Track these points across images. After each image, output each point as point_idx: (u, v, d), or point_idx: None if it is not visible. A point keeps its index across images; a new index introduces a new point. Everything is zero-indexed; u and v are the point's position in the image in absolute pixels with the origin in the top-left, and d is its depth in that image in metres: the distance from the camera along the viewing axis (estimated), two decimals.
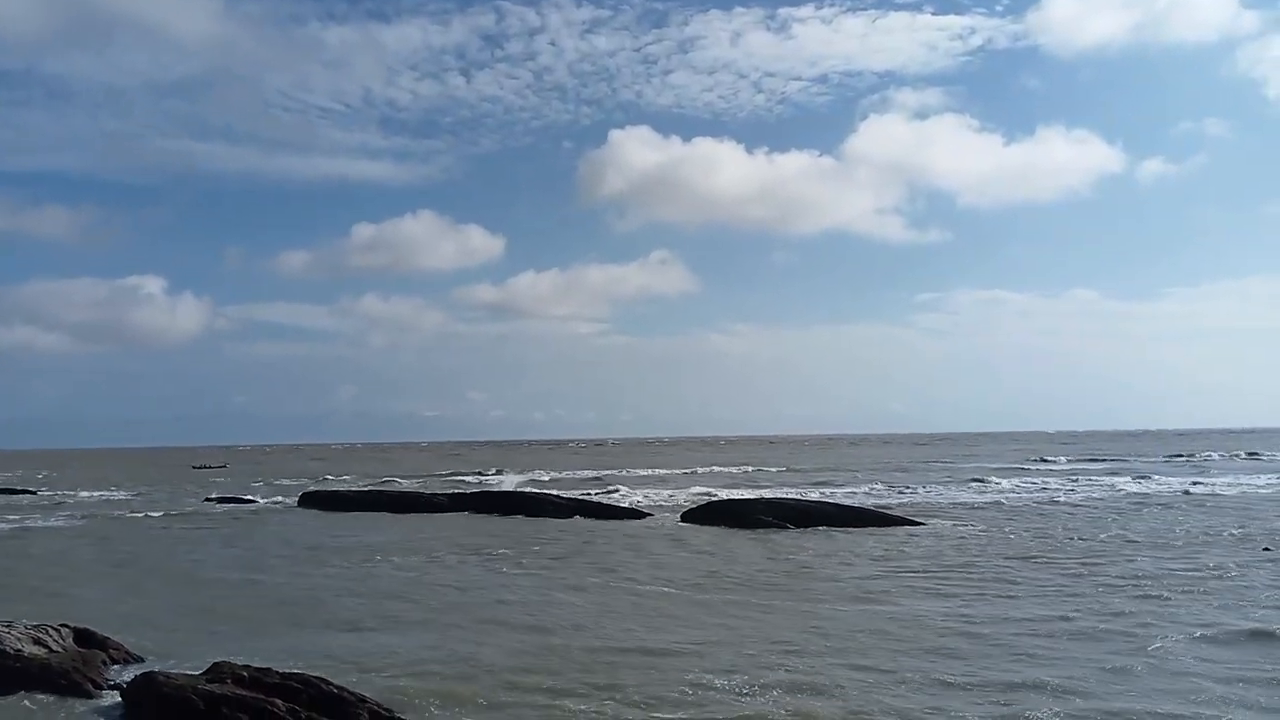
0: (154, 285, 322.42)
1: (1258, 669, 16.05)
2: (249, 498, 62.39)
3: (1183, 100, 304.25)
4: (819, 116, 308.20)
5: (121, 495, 69.72)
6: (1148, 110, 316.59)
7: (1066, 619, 20.31)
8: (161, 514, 52.22)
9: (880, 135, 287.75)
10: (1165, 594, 22.94)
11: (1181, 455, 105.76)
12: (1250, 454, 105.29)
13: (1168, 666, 16.31)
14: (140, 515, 51.62)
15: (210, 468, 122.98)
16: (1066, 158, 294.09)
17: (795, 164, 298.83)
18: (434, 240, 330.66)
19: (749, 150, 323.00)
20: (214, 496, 63.45)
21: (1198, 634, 18.63)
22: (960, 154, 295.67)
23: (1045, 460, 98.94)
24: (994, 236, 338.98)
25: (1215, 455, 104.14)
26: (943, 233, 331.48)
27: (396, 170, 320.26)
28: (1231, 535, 34.31)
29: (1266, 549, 30.50)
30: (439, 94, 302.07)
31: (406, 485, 72.78)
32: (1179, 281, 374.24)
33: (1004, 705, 14.30)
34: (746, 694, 15.12)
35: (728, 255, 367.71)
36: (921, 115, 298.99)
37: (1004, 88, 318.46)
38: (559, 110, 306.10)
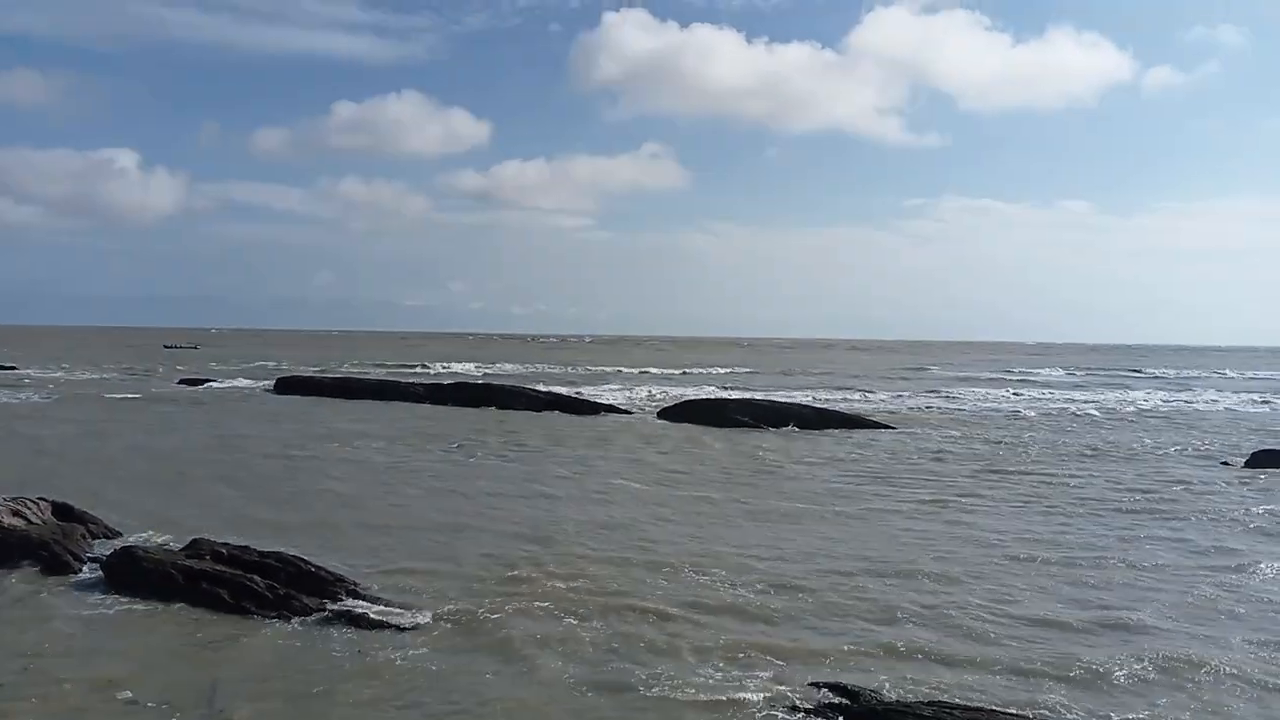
0: (127, 159, 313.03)
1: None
2: (224, 381, 62.19)
3: (1195, 5, 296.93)
4: (822, 5, 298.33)
5: (92, 374, 69.27)
6: (1162, 13, 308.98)
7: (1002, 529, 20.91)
8: (133, 395, 52.03)
9: (886, 28, 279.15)
10: (1109, 506, 23.62)
11: (1148, 371, 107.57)
12: (1218, 373, 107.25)
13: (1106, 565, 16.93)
14: (112, 396, 51.40)
15: (180, 348, 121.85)
16: (1074, 62, 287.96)
17: (796, 56, 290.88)
18: (418, 122, 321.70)
19: (748, 39, 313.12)
20: (187, 378, 63.15)
21: (1157, 549, 19.23)
22: (967, 53, 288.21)
23: (1020, 371, 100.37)
24: (991, 143, 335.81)
25: (1185, 373, 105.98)
26: (941, 136, 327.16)
27: (377, 46, 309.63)
28: (1192, 450, 35.23)
29: (1225, 463, 31.41)
30: None
31: (383, 374, 72.76)
32: (1171, 197, 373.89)
33: (918, 593, 14.82)
34: (724, 586, 15.55)
35: (720, 151, 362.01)
36: (931, 9, 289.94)
37: None
38: None
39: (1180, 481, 27.09)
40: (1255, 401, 61.00)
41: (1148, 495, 24.68)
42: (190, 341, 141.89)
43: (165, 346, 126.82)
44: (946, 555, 17.78)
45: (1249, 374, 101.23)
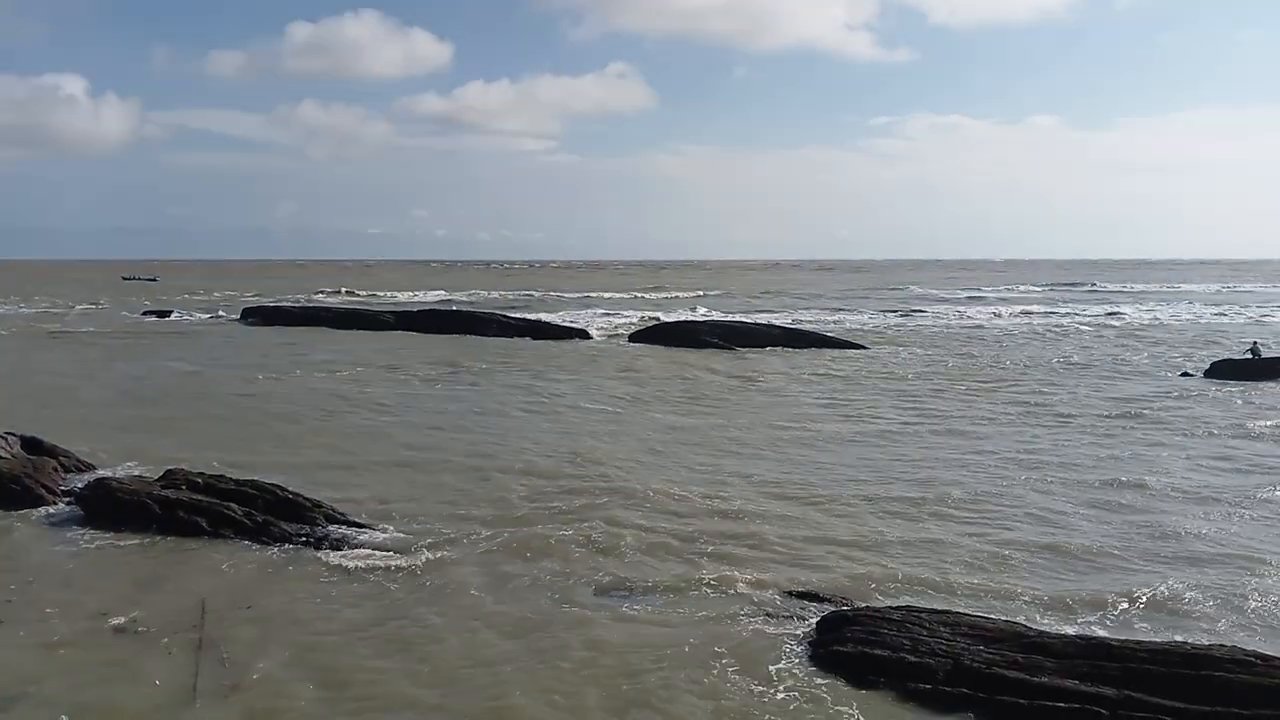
0: (74, 85, 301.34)
1: None
2: (189, 312, 61.24)
3: None
4: None
5: (49, 308, 67.81)
6: None
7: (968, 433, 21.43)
8: (96, 328, 51.12)
9: None
10: (1094, 417, 24.25)
11: (1112, 287, 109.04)
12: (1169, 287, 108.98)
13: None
14: (74, 330, 50.46)
15: (140, 280, 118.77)
16: None
17: None
18: (377, 44, 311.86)
19: None
20: (152, 310, 62.08)
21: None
22: None
23: (986, 288, 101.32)
24: (961, 59, 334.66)
25: (1146, 287, 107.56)
26: (911, 52, 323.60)
27: None
28: (1137, 362, 36.07)
29: (1185, 374, 32.23)
30: None
31: (352, 302, 71.96)
32: (1140, 110, 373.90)
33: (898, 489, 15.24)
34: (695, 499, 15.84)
35: (688, 71, 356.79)
36: None
37: None
38: None
39: (1152, 394, 27.64)
40: (1210, 312, 62.30)
41: (1124, 407, 25.14)
42: (149, 273, 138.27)
43: (124, 278, 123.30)
44: (934, 475, 18.19)
45: (1209, 287, 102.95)
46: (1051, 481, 17.10)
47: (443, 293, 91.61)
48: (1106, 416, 23.84)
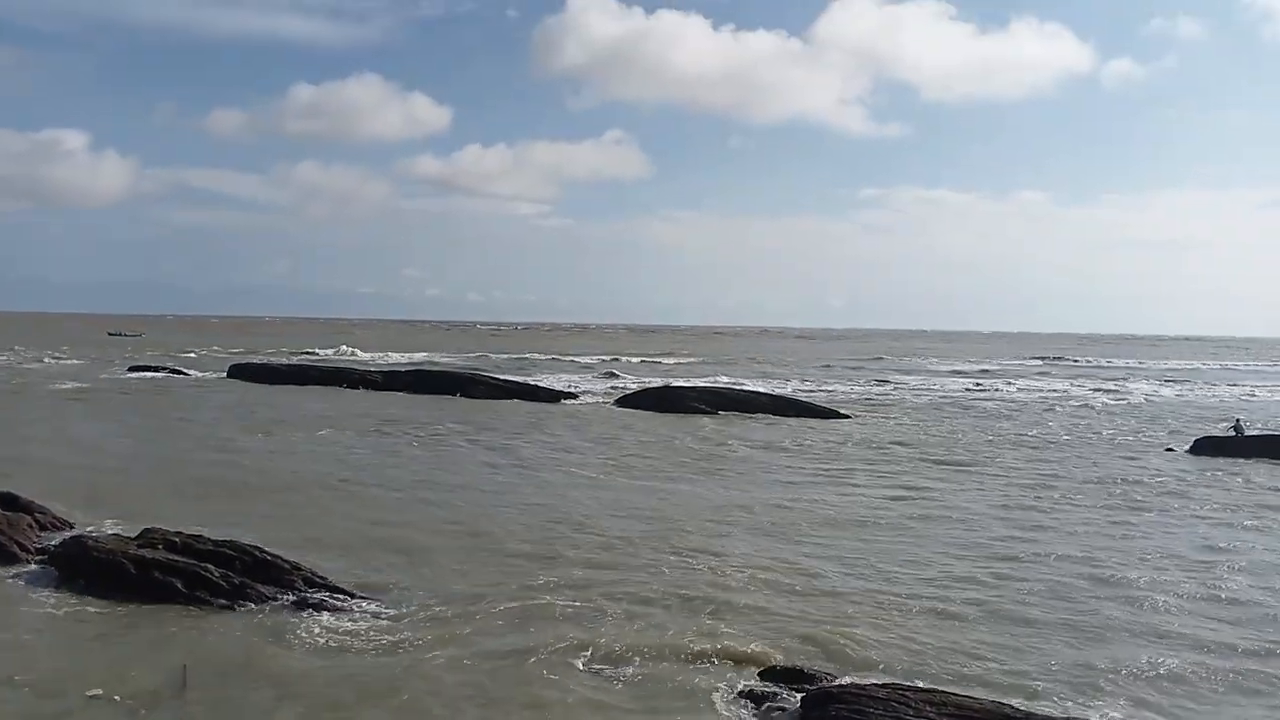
0: (75, 140, 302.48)
1: None
2: (175, 368, 60.94)
3: None
4: None
5: (32, 362, 67.43)
6: (1122, 6, 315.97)
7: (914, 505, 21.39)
8: (80, 383, 50.77)
9: (851, 17, 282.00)
10: (1078, 495, 24.26)
11: (1095, 361, 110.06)
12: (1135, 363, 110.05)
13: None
14: (57, 385, 50.10)
15: (126, 335, 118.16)
16: (1036, 53, 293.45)
17: (762, 44, 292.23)
18: (377, 106, 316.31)
19: (715, 26, 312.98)
20: (138, 365, 61.76)
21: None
22: (931, 43, 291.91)
23: (971, 360, 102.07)
24: (951, 134, 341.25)
25: (1127, 362, 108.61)
26: (902, 127, 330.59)
27: (333, 30, 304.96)
28: (1139, 438, 36.23)
29: (1169, 449, 32.35)
30: None
31: (339, 361, 71.83)
32: (1124, 188, 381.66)
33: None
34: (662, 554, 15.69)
35: (684, 139, 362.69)
36: None
37: None
38: None
39: (1138, 472, 27.57)
40: (1192, 389, 62.81)
41: (1107, 487, 24.97)
42: (135, 329, 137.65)
43: (109, 334, 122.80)
44: (913, 549, 18.09)
45: (1191, 364, 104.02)
46: (1036, 561, 16.98)
47: (432, 353, 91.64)
48: (1092, 494, 23.76)
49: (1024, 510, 21.43)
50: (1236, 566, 16.61)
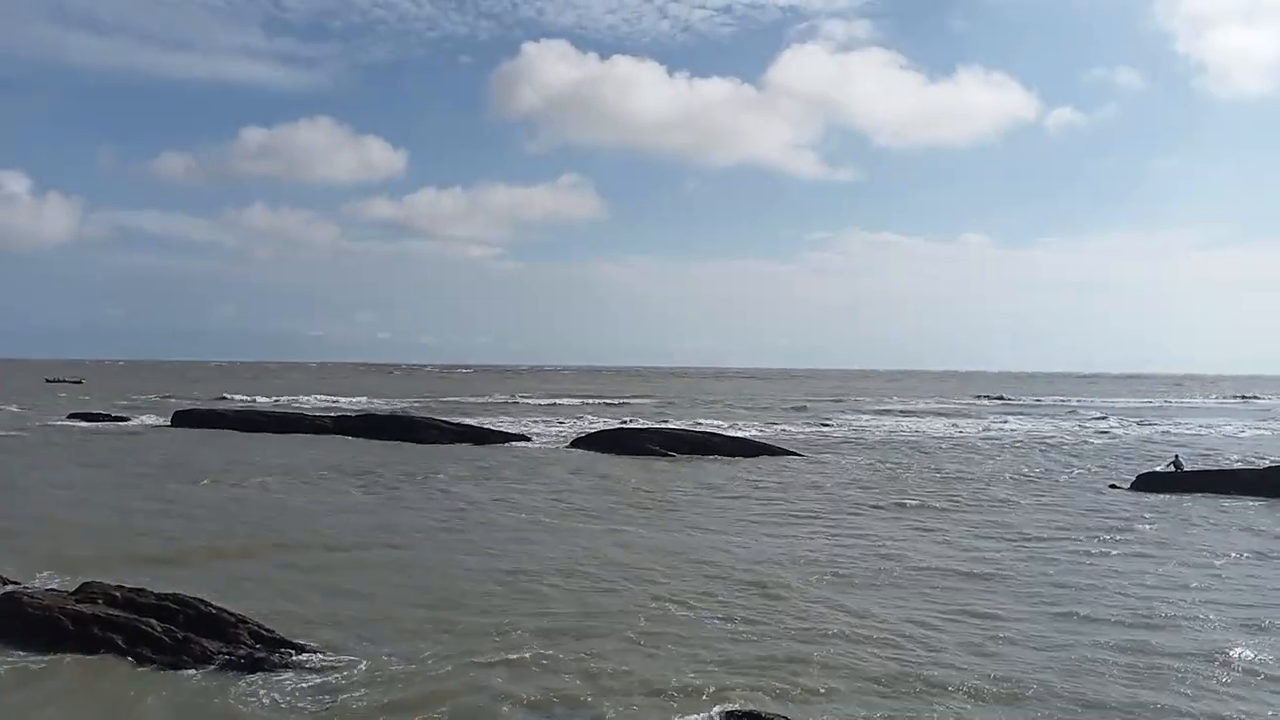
0: (17, 184, 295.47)
1: None
2: (118, 415, 59.42)
3: (1099, 48, 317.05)
4: (742, 40, 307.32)
5: None
6: (1065, 56, 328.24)
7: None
8: (18, 431, 49.23)
9: (803, 66, 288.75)
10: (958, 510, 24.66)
11: (1035, 399, 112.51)
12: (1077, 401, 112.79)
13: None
14: None
15: (64, 382, 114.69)
16: (982, 102, 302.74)
17: (716, 91, 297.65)
18: (330, 150, 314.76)
19: (670, 73, 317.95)
20: (78, 413, 60.08)
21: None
22: (881, 91, 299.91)
23: (920, 399, 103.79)
24: (899, 179, 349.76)
25: (1068, 400, 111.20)
26: (854, 172, 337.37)
27: (281, 74, 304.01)
28: (1081, 473, 37.05)
29: (1113, 485, 33.11)
30: None
31: (289, 405, 70.64)
32: (1063, 231, 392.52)
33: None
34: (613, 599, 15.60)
35: (639, 183, 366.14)
36: (846, 47, 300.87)
37: (932, 24, 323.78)
38: (456, 22, 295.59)
39: (1083, 508, 28.11)
40: (1133, 424, 64.51)
41: (1054, 526, 25.25)
42: (75, 375, 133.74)
43: (48, 380, 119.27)
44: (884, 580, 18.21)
45: (1130, 401, 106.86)
46: (987, 600, 17.21)
47: (384, 397, 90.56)
48: (1040, 533, 24.18)
49: (958, 544, 21.73)
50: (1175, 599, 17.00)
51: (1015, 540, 22.71)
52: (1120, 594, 17.39)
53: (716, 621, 15.31)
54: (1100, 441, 52.33)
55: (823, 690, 12.28)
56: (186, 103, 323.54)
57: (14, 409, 66.02)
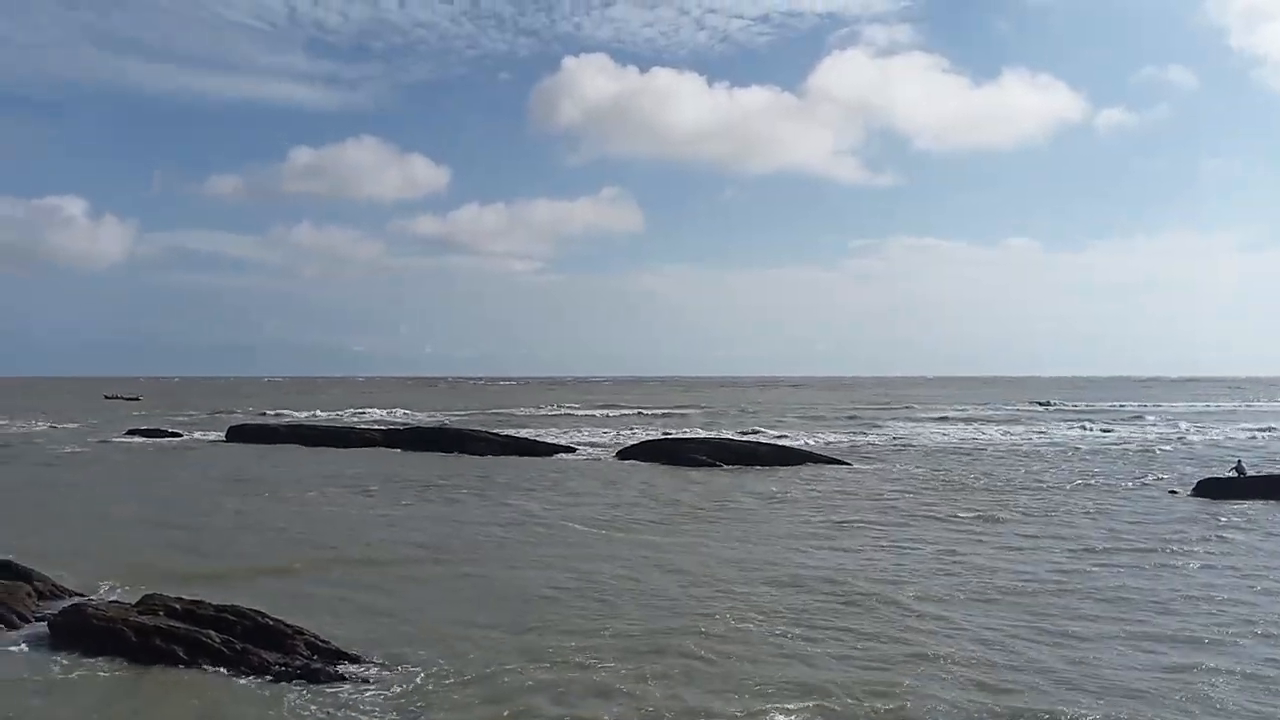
0: (75, 207, 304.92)
1: None
2: (174, 431, 60.70)
3: (1149, 47, 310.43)
4: (782, 48, 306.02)
5: (34, 426, 67.15)
6: (1114, 56, 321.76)
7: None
8: (79, 447, 50.52)
9: (844, 71, 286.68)
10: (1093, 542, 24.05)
11: (1091, 404, 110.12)
12: (1117, 404, 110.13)
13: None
14: (56, 449, 49.86)
15: (122, 399, 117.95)
16: (1028, 104, 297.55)
17: (756, 99, 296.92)
18: (375, 168, 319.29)
19: (710, 83, 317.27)
20: (137, 429, 61.52)
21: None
22: (924, 95, 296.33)
23: (967, 405, 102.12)
24: (942, 183, 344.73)
25: (1124, 404, 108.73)
26: (895, 177, 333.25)
27: (325, 95, 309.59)
28: (1139, 480, 36.12)
29: (1172, 491, 32.22)
30: (369, 17, 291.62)
31: (338, 419, 71.66)
32: (1113, 233, 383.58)
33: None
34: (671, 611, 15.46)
35: (679, 193, 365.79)
36: (889, 52, 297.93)
37: (975, 27, 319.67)
38: (495, 40, 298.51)
39: (1151, 515, 27.33)
40: (1190, 429, 62.77)
41: (1117, 529, 24.76)
42: (131, 392, 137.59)
43: (106, 396, 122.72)
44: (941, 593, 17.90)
45: (1187, 405, 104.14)
46: (1072, 614, 16.58)
47: (429, 410, 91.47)
48: (1102, 542, 23.58)
49: (1037, 559, 21.24)
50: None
51: (1080, 551, 21.90)
52: (1209, 608, 16.62)
53: (803, 634, 14.96)
54: (1157, 447, 50.98)
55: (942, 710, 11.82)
56: (235, 124, 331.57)
57: (76, 425, 67.82)
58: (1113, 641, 14.63)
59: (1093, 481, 35.44)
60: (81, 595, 16.78)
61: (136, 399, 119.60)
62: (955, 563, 20.50)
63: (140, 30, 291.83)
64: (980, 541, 23.19)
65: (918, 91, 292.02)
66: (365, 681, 12.88)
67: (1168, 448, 50.37)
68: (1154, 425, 69.46)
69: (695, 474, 37.74)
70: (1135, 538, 23.68)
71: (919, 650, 14.11)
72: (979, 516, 27.01)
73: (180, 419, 75.67)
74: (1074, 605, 16.84)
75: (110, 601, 15.96)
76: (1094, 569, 19.91)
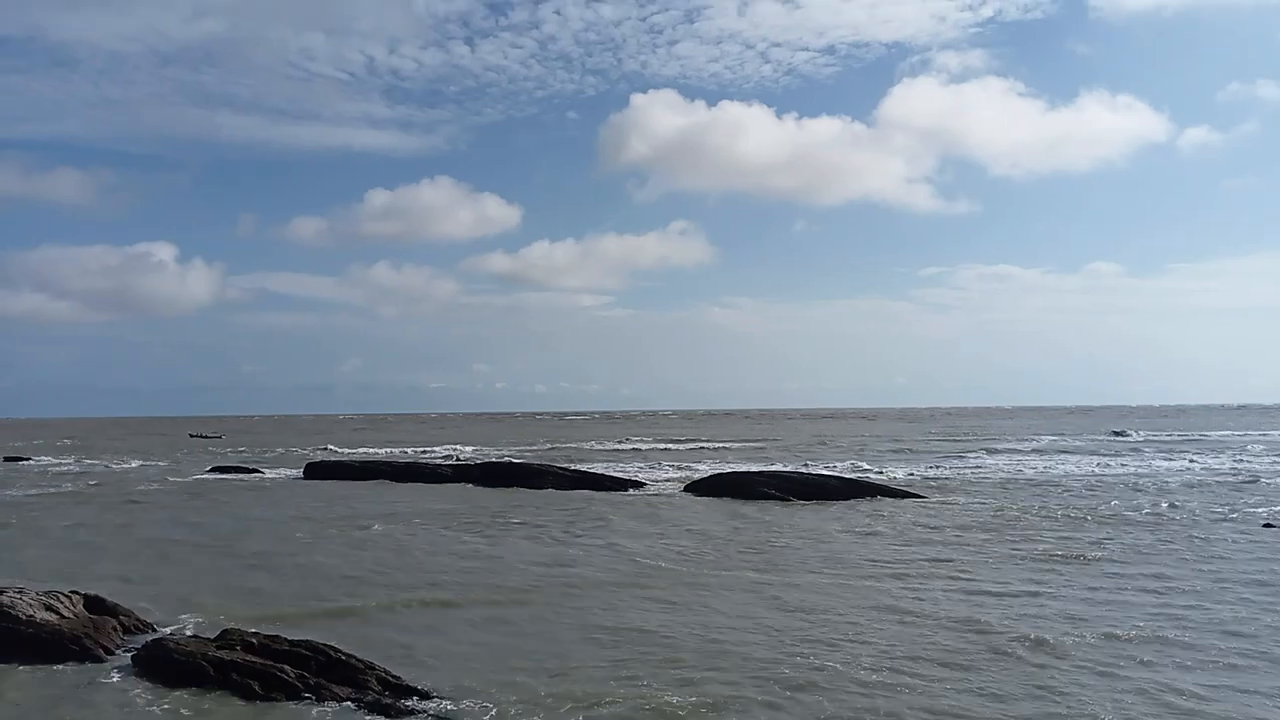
0: (165, 253, 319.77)
1: None
2: (254, 468, 62.57)
3: (1235, 62, 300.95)
4: (851, 78, 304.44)
5: (124, 464, 69.94)
6: (1198, 73, 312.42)
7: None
8: (164, 485, 52.39)
9: (916, 99, 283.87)
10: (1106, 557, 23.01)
11: (1179, 434, 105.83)
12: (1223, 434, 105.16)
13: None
14: (142, 486, 51.80)
15: (206, 437, 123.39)
16: (1107, 125, 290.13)
17: (825, 130, 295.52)
18: (450, 208, 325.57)
19: (778, 115, 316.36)
20: (219, 466, 63.62)
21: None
22: (998, 121, 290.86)
23: (1045, 435, 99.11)
24: (1019, 209, 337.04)
25: (1217, 434, 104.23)
26: (970, 204, 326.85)
27: (402, 140, 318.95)
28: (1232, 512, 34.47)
29: (1268, 524, 30.68)
30: (443, 63, 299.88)
31: (411, 456, 72.98)
32: (1202, 256, 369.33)
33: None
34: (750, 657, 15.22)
35: (749, 226, 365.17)
36: (961, 78, 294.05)
37: (1051, 50, 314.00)
38: (564, 80, 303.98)
39: (1246, 552, 26.14)
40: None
41: (1212, 570, 23.54)
42: (216, 430, 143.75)
43: (191, 435, 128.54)
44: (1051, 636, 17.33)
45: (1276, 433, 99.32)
46: (1185, 669, 16.05)
47: (501, 446, 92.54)
48: (1205, 585, 22.50)
49: (1139, 603, 20.41)
50: None
51: (1183, 592, 20.72)
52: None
53: (930, 684, 14.57)
54: (1249, 478, 48.64)
55: None
56: (317, 170, 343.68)
57: (163, 463, 70.44)
58: (1233, 700, 13.93)
59: (1183, 517, 33.87)
60: (164, 629, 17.33)
61: (219, 437, 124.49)
62: (1060, 612, 19.62)
63: (230, 85, 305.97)
64: (1076, 584, 22.13)
65: (992, 116, 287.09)
66: (434, 716, 12.98)
67: (1262, 479, 47.98)
68: (1242, 455, 66.33)
69: (764, 508, 37.28)
70: (1233, 579, 22.43)
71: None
72: (1071, 558, 25.41)
73: (261, 456, 77.98)
74: (1189, 659, 16.08)
75: (190, 636, 16.46)
76: (1193, 614, 18.91)
